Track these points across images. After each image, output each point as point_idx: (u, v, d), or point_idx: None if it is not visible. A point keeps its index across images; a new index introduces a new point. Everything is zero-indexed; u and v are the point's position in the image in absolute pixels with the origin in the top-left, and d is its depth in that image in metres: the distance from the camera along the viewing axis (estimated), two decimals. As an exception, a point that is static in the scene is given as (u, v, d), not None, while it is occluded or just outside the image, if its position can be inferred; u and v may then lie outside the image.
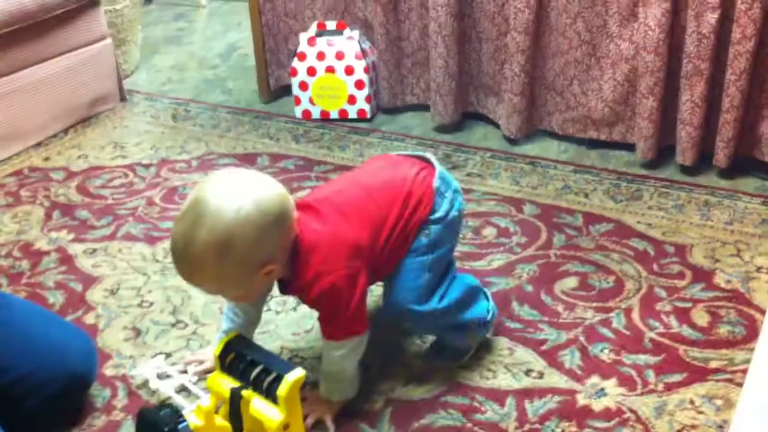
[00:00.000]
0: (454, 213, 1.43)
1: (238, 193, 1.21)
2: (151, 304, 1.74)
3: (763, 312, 1.61)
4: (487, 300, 1.56)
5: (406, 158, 1.48)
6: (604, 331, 1.60)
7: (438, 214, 1.41)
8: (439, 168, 1.44)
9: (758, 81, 2.04)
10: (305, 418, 1.35)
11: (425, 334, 1.59)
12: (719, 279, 1.73)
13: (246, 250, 1.21)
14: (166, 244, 1.95)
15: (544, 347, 1.56)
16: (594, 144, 2.33)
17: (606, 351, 1.54)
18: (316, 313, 1.64)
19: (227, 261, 1.21)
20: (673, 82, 2.14)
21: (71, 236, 1.99)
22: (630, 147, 2.26)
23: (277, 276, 1.31)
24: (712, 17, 1.99)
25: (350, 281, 1.31)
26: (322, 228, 1.31)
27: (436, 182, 1.42)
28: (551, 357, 1.54)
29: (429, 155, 1.48)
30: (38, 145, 2.49)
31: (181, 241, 1.21)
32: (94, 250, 1.93)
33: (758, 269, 1.76)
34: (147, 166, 2.34)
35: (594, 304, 1.68)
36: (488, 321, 1.53)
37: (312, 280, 1.30)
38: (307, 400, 1.40)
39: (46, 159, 2.41)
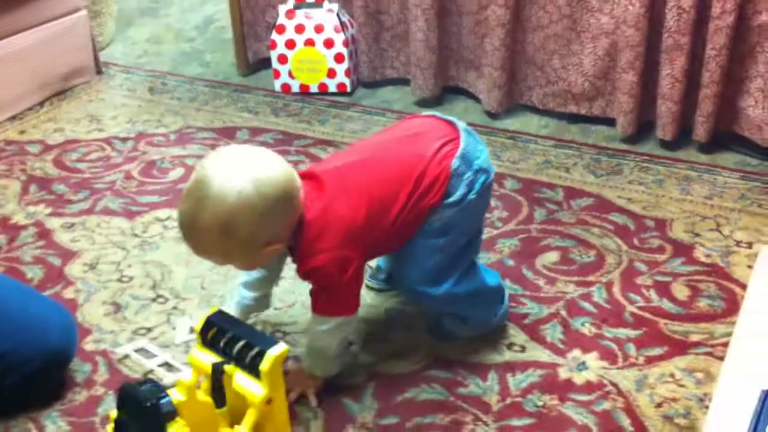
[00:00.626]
0: (471, 196, 1.36)
1: (240, 175, 1.21)
2: (131, 278, 1.73)
3: (742, 286, 1.63)
4: (502, 303, 1.53)
5: (435, 126, 1.40)
6: (585, 305, 1.61)
7: (453, 198, 1.34)
8: (463, 144, 1.36)
9: (738, 56, 2.05)
10: (288, 392, 1.35)
11: (428, 310, 1.56)
12: (699, 253, 1.75)
13: (249, 232, 1.22)
14: (145, 218, 1.93)
15: (525, 321, 1.57)
16: (574, 118, 2.33)
17: (587, 325, 1.55)
18: (298, 288, 1.65)
19: (231, 240, 1.22)
20: (654, 57, 2.14)
21: (49, 210, 1.97)
22: (610, 122, 2.27)
23: (282, 251, 1.32)
24: (693, -9, 1.99)
25: (340, 263, 1.30)
26: (320, 205, 1.30)
27: (454, 163, 1.34)
28: (533, 331, 1.54)
29: (461, 125, 1.40)
30: (13, 118, 2.45)
31: (187, 220, 1.24)
32: (72, 225, 1.91)
33: (737, 243, 1.78)
34: (124, 140, 2.31)
35: (575, 279, 1.68)
36: (491, 322, 1.52)
37: (304, 256, 1.30)
38: (290, 375, 1.39)
39: (22, 132, 2.37)
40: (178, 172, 2.13)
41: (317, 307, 1.36)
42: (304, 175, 1.32)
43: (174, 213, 1.94)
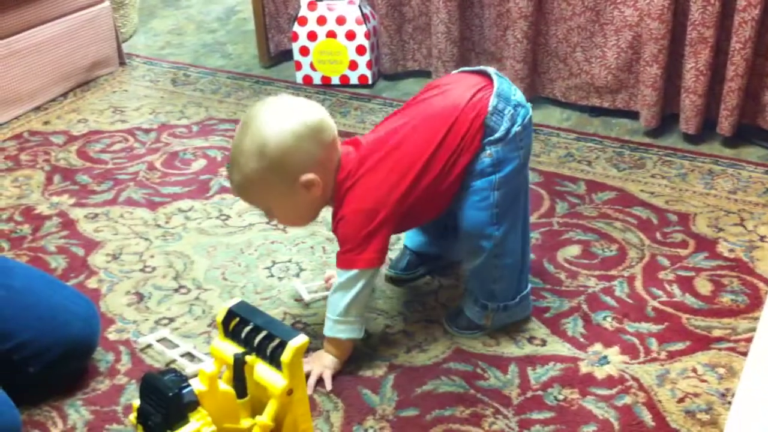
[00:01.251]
0: (516, 128, 1.39)
1: (281, 108, 1.35)
2: (154, 269, 1.74)
3: (766, 281, 1.61)
4: (526, 288, 1.54)
5: (465, 78, 1.46)
6: (607, 299, 1.60)
7: (497, 134, 1.38)
8: (497, 84, 1.40)
9: (763, 49, 2.03)
10: (307, 377, 1.36)
11: (469, 271, 1.54)
12: (722, 248, 1.73)
13: (282, 152, 1.31)
14: (168, 209, 1.94)
15: (546, 315, 1.56)
16: (597, 111, 2.32)
17: (608, 319, 1.55)
18: (319, 280, 1.66)
19: (265, 164, 1.32)
20: (678, 50, 2.12)
21: (72, 200, 1.99)
22: (633, 115, 2.25)
23: (318, 193, 1.36)
24: (718, -16, 1.97)
25: (366, 215, 1.37)
26: (356, 163, 1.39)
27: (492, 101, 1.38)
28: (554, 325, 1.54)
29: (489, 70, 1.44)
30: (37, 109, 2.47)
31: (233, 151, 1.36)
32: (96, 215, 1.93)
33: (762, 238, 1.76)
34: (147, 131, 2.32)
35: (597, 273, 1.68)
36: (509, 305, 1.51)
37: (336, 209, 1.40)
38: (308, 358, 1.41)
39: (46, 123, 2.39)
40: (201, 163, 2.14)
41: (338, 261, 1.40)
42: (347, 143, 1.43)
43: (196, 203, 1.95)
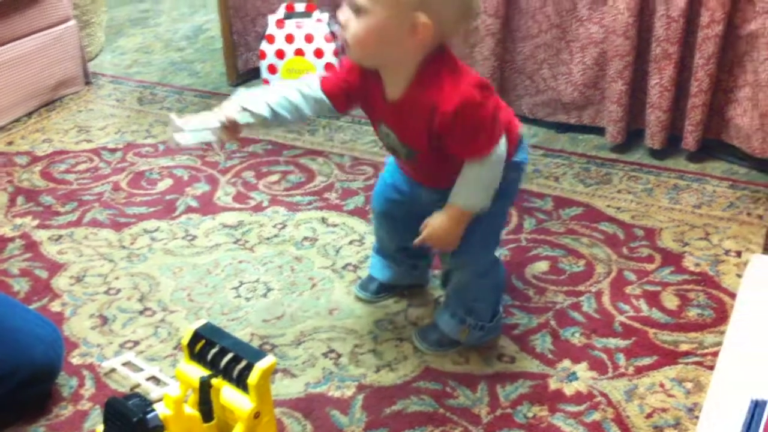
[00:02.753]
0: (526, 161, 1.45)
1: None
2: (118, 291, 1.71)
3: (732, 295, 1.62)
4: (500, 307, 1.55)
5: None
6: (575, 315, 1.60)
7: (518, 159, 1.41)
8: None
9: (726, 65, 2.05)
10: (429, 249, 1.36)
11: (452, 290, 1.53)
12: (688, 262, 1.75)
13: None
14: (133, 229, 1.92)
15: (515, 332, 1.56)
16: (564, 127, 2.33)
17: (577, 335, 1.55)
18: (286, 300, 1.64)
19: None
20: (642, 66, 2.14)
21: (36, 222, 1.96)
22: (600, 130, 2.27)
23: (411, 45, 1.25)
24: (681, 0, 1.99)
25: (482, 90, 1.28)
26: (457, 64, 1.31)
27: (521, 128, 1.44)
28: (523, 341, 1.54)
29: None
30: (1, 129, 2.43)
31: None
32: (60, 237, 1.90)
33: (727, 252, 1.77)
34: (112, 151, 2.30)
35: (565, 288, 1.68)
36: (486, 326, 1.51)
37: (447, 93, 1.26)
38: (433, 231, 1.36)
39: (10, 143, 2.36)
40: (167, 182, 2.12)
41: (478, 148, 1.30)
42: None
43: (162, 224, 1.93)
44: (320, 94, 1.39)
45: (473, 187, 1.35)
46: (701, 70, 2.02)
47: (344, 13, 1.28)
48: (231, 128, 1.34)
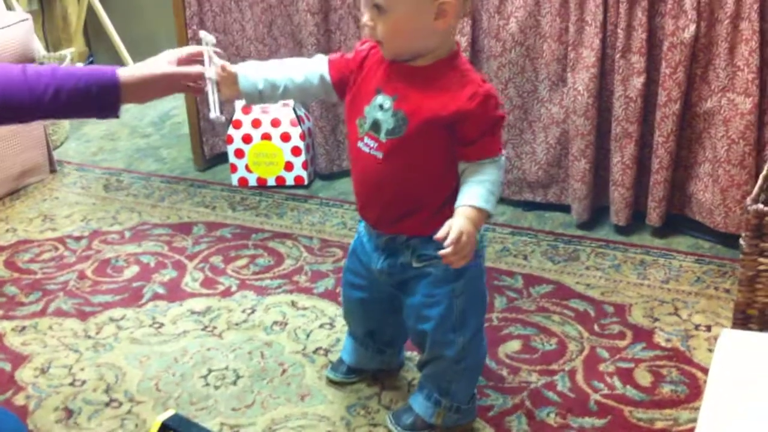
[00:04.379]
0: (484, 244, 1.46)
1: None
2: (84, 382, 1.67)
3: (704, 370, 1.63)
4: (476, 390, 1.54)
5: None
6: (550, 394, 1.59)
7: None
8: None
9: (686, 142, 2.10)
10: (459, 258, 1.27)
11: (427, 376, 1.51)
12: (659, 338, 1.75)
13: None
14: (99, 318, 1.89)
15: (490, 413, 1.54)
16: (530, 206, 2.36)
17: (552, 415, 1.53)
18: (256, 388, 1.61)
19: None
20: (604, 144, 2.19)
21: (-2, 313, 1.92)
22: (565, 208, 2.30)
23: (440, 27, 1.26)
24: (638, 81, 2.05)
25: (496, 103, 1.31)
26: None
27: None
28: (498, 423, 1.52)
29: None
30: (-37, 219, 2.40)
31: None
32: (24, 328, 1.86)
33: (697, 327, 1.78)
34: (78, 239, 2.27)
35: (538, 367, 1.67)
36: (462, 408, 1.49)
37: (467, 81, 1.29)
38: (458, 247, 1.26)
39: (-28, 233, 2.33)
40: (133, 269, 2.09)
41: (494, 149, 1.32)
42: None
43: (129, 312, 1.90)
44: (327, 78, 1.41)
45: (489, 187, 1.32)
46: (661, 147, 2.07)
47: (367, 14, 1.28)
48: (228, 79, 1.39)
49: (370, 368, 1.64)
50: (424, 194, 1.35)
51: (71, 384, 1.67)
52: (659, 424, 1.50)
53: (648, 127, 2.12)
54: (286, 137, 2.51)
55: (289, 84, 1.40)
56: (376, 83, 1.35)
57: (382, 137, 1.32)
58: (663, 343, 1.73)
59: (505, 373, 1.66)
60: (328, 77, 1.40)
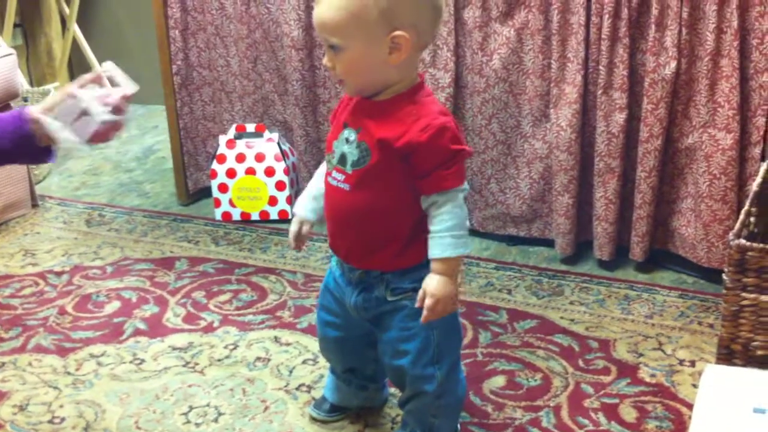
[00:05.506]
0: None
1: None
2: (63, 420, 1.64)
3: (688, 406, 1.62)
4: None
5: None
6: (535, 431, 1.58)
7: None
8: None
9: (668, 177, 2.12)
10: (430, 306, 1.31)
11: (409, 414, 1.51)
12: (643, 373, 1.74)
13: None
14: (79, 355, 1.86)
15: (474, 450, 1.53)
16: (514, 240, 2.36)
17: (537, 452, 1.52)
18: (239, 424, 1.59)
19: None
20: (587, 179, 2.20)
21: (-24, 350, 1.89)
22: (549, 243, 2.30)
23: (396, 61, 1.28)
24: (620, 117, 2.06)
25: (454, 136, 1.31)
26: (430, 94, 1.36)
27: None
28: (482, 460, 1.50)
29: None
30: (-57, 254, 2.38)
31: None
32: (3, 364, 1.83)
33: (681, 362, 1.78)
34: (59, 274, 2.25)
35: (523, 403, 1.66)
36: None
37: (425, 113, 1.30)
38: (435, 306, 1.32)
39: (-49, 268, 2.30)
40: (114, 305, 2.07)
41: (449, 182, 1.31)
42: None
43: (109, 348, 1.88)
44: None
45: (453, 231, 1.32)
46: (644, 182, 2.08)
47: (327, 55, 1.32)
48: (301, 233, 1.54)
49: (353, 405, 1.63)
50: (391, 225, 1.36)
51: (50, 422, 1.64)
52: (645, 461, 1.49)
53: (630, 163, 2.13)
54: (270, 172, 2.51)
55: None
56: (344, 118, 1.38)
57: (348, 169, 1.35)
58: (648, 379, 1.72)
59: (489, 409, 1.64)
60: None
